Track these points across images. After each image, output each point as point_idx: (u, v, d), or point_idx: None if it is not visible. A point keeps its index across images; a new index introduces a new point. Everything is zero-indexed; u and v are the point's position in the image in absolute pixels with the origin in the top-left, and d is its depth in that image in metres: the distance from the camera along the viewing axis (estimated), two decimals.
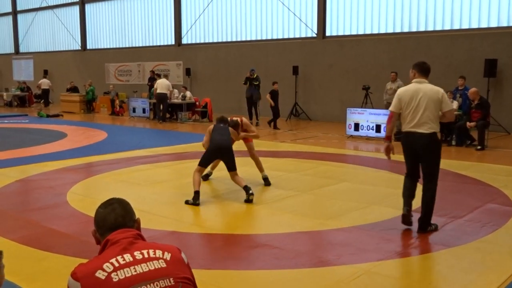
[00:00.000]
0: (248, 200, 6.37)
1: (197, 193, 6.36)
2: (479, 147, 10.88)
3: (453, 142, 11.55)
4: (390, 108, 5.45)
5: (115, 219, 2.15)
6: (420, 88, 5.25)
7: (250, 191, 6.41)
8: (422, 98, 5.17)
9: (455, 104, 11.99)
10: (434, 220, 5.58)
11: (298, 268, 4.27)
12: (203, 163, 6.75)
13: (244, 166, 8.85)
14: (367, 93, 14.95)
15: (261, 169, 7.70)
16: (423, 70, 5.46)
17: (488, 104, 11.44)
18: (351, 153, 10.97)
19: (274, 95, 15.21)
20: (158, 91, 17.07)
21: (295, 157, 9.95)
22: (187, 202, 6.36)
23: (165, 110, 17.34)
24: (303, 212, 6.03)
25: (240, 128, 7.50)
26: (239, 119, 7.62)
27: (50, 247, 4.75)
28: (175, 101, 17.84)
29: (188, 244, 4.94)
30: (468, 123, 11.09)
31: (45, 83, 24.95)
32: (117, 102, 20.46)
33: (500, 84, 14.00)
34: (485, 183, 7.52)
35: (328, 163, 9.34)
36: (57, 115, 19.68)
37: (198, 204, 6.28)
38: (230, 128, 7.08)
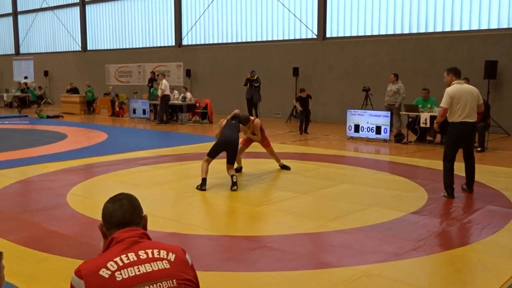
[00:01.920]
0: (232, 189, 7.13)
1: (204, 180, 7.17)
2: (479, 149, 10.87)
3: None
4: (442, 105, 6.78)
5: (122, 216, 2.15)
6: (463, 88, 6.78)
7: (234, 187, 7.12)
8: (467, 95, 6.71)
9: None
10: (434, 222, 5.61)
11: (298, 269, 4.27)
12: (211, 154, 7.45)
13: (244, 168, 8.86)
14: (367, 95, 14.95)
15: (277, 160, 8.78)
16: (458, 74, 6.97)
17: (488, 105, 11.44)
18: (352, 154, 10.97)
19: (302, 101, 14.26)
20: (166, 92, 16.95)
21: (296, 158, 9.94)
22: (197, 188, 7.15)
23: (164, 111, 17.30)
24: (304, 214, 6.03)
25: (250, 124, 8.20)
26: (252, 118, 8.44)
27: (50, 248, 4.75)
28: (176, 102, 17.84)
29: (188, 246, 4.93)
30: None
31: (29, 83, 25.11)
32: (117, 103, 20.46)
33: (500, 86, 14.00)
34: (485, 185, 7.52)
35: (329, 164, 9.34)
36: (57, 116, 19.69)
37: (204, 190, 7.07)
38: (240, 125, 7.82)
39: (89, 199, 6.83)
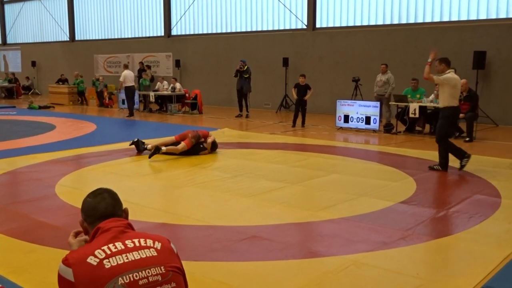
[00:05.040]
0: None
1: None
2: (467, 139, 10.95)
3: None
4: (436, 78, 7.71)
5: (106, 208, 2.15)
6: (456, 77, 7.77)
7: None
8: (459, 84, 7.84)
9: None
10: (422, 212, 5.66)
11: (287, 259, 4.28)
12: None
13: (234, 159, 8.86)
14: (357, 85, 14.97)
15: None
16: (450, 63, 7.87)
17: (477, 96, 11.51)
18: (341, 145, 11.00)
19: (299, 88, 13.74)
20: (126, 84, 16.35)
21: (285, 149, 9.96)
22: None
23: (133, 103, 16.96)
24: (293, 204, 6.05)
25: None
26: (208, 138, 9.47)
27: (38, 239, 4.72)
28: (165, 92, 17.76)
29: (178, 236, 4.93)
30: None
31: None
32: (105, 94, 20.32)
33: (489, 76, 14.09)
34: (473, 174, 7.58)
35: (318, 155, 9.36)
36: (48, 107, 19.53)
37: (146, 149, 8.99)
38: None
39: (78, 190, 6.79)
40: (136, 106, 18.52)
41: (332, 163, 8.61)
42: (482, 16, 14.47)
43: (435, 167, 7.88)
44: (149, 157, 8.75)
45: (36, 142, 10.79)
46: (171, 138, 9.36)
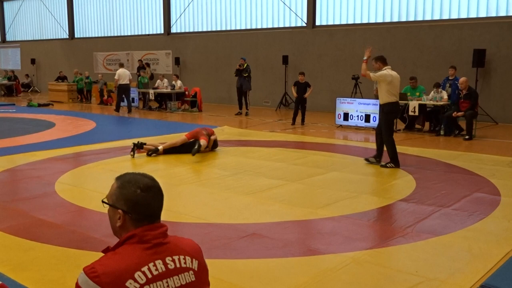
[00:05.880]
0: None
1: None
2: (467, 137, 10.95)
3: (442, 132, 11.63)
4: (375, 74, 7.92)
5: (158, 208, 1.91)
6: (394, 74, 7.93)
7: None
8: (397, 80, 7.96)
9: (444, 94, 12.06)
10: (422, 209, 5.68)
11: (287, 257, 4.29)
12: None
13: (234, 156, 8.86)
14: (357, 83, 14.96)
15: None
16: (386, 61, 8.10)
17: (477, 94, 11.51)
18: (341, 142, 11.00)
19: (298, 86, 13.73)
20: (121, 82, 16.67)
21: (285, 146, 9.96)
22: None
23: (130, 100, 17.18)
24: (293, 201, 6.05)
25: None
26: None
27: (38, 237, 4.72)
28: (164, 90, 17.75)
29: (177, 234, 4.89)
30: (454, 112, 11.17)
31: None
32: (105, 91, 20.31)
33: (488, 74, 14.09)
34: (472, 172, 7.59)
35: (318, 152, 9.36)
36: (47, 105, 19.51)
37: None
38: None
39: (77, 188, 6.80)
40: (135, 104, 18.53)
41: (332, 161, 8.61)
42: (482, 14, 14.46)
43: (370, 159, 8.18)
44: (149, 155, 8.79)
45: (36, 139, 10.79)
46: (183, 138, 9.23)
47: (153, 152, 8.85)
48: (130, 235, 1.81)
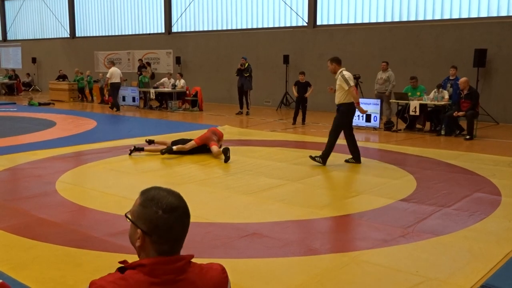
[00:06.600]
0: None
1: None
2: (468, 137, 10.95)
3: (443, 132, 11.62)
4: (352, 84, 7.95)
5: (182, 232, 1.74)
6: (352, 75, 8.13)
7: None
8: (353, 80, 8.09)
9: (445, 94, 12.05)
10: (422, 209, 5.67)
11: (287, 256, 4.29)
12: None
13: (234, 156, 8.86)
14: (358, 83, 14.92)
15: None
16: (340, 62, 8.16)
17: (477, 94, 11.50)
18: (341, 142, 10.97)
19: (299, 86, 13.78)
20: (112, 80, 16.93)
21: (285, 146, 9.95)
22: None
23: (117, 98, 17.48)
24: (293, 201, 6.05)
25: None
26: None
27: (39, 236, 4.72)
28: (165, 89, 17.74)
29: None
30: (455, 112, 11.16)
31: None
32: (106, 90, 20.29)
33: (489, 74, 14.07)
34: (473, 172, 7.58)
35: (318, 152, 9.34)
36: (48, 104, 19.51)
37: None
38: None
39: (78, 187, 6.80)
40: (136, 103, 18.55)
41: (332, 161, 8.60)
42: (483, 14, 14.44)
43: (316, 158, 8.07)
44: (161, 153, 8.76)
45: (36, 138, 10.79)
46: (192, 143, 8.90)
47: (167, 151, 8.72)
48: (142, 263, 1.62)
